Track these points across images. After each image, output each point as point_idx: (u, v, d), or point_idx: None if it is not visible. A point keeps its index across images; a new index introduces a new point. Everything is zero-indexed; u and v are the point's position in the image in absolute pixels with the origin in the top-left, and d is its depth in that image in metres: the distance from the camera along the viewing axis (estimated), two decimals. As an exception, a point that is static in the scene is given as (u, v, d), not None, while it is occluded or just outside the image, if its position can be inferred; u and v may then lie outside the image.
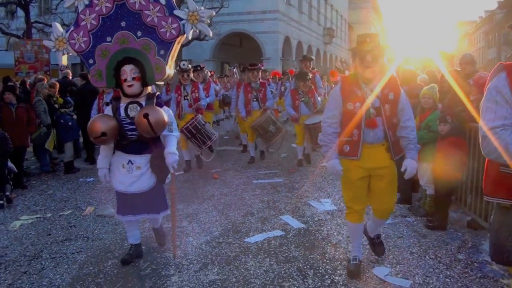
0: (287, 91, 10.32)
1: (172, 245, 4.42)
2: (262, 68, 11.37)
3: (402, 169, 3.67)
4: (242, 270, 4.07)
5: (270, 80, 15.16)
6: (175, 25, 4.07)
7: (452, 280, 3.84)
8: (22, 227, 5.53)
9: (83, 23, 4.14)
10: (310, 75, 8.77)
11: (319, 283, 3.77)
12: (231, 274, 3.98)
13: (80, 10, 4.14)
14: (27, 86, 11.36)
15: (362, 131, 3.62)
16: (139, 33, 4.11)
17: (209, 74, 11.97)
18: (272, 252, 4.45)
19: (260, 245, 4.67)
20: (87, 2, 4.14)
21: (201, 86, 8.96)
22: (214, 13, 4.50)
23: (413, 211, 5.64)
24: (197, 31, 4.18)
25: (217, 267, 4.15)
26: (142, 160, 4.08)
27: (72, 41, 4.15)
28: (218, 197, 6.55)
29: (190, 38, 4.31)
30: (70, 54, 4.22)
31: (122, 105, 4.10)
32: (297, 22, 37.94)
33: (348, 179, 3.75)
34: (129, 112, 4.04)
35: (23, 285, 3.92)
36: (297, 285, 3.75)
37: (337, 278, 3.87)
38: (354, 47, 3.68)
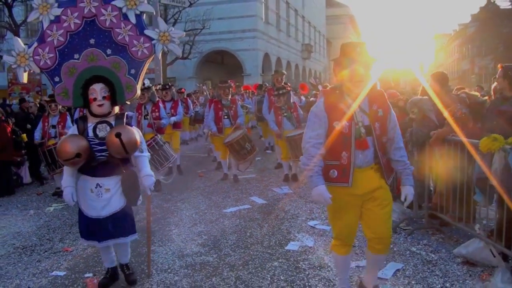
0: (264, 105, 9.98)
1: (147, 264, 4.51)
2: (233, 84, 11.38)
3: (402, 198, 3.40)
4: (221, 225, 6.01)
5: (245, 96, 15.53)
6: (147, 45, 4.02)
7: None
8: (56, 210, 7.36)
9: (49, 39, 3.99)
10: (284, 90, 8.54)
11: (271, 230, 5.72)
12: (213, 228, 5.92)
13: (45, 25, 4.02)
14: (24, 108, 12.99)
15: (352, 153, 3.23)
16: (108, 51, 4.01)
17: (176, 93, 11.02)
18: (242, 216, 6.40)
19: (233, 213, 6.61)
20: (52, 18, 4.01)
21: (168, 105, 9.33)
22: (184, 34, 4.61)
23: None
24: (167, 51, 4.16)
25: (203, 224, 6.08)
26: (110, 182, 3.93)
27: (37, 57, 3.99)
28: (203, 188, 8.47)
29: (159, 58, 4.48)
30: (32, 71, 4.08)
31: (90, 125, 3.92)
32: (275, 39, 40.07)
33: (337, 208, 3.36)
34: (98, 132, 3.89)
35: (72, 237, 5.79)
36: (256, 231, 5.71)
37: (282, 227, 5.82)
38: (341, 58, 3.28)
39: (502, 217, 4.15)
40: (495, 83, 4.80)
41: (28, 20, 4.18)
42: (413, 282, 4.07)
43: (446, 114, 4.99)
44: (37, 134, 8.75)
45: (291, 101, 8.71)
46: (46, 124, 8.65)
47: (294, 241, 5.28)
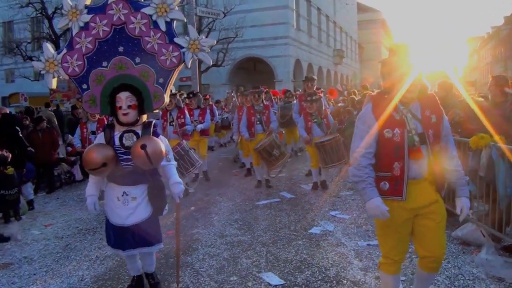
0: (295, 110, 10.12)
1: (176, 275, 4.42)
2: (265, 90, 11.19)
3: (458, 211, 3.12)
4: (254, 214, 6.98)
5: (274, 101, 14.79)
6: (176, 53, 3.94)
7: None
8: (110, 203, 8.45)
9: (77, 46, 3.97)
10: (316, 96, 8.33)
11: (297, 218, 6.66)
12: (247, 216, 6.91)
13: (74, 32, 3.99)
14: (75, 114, 14.13)
15: (405, 163, 3.00)
16: (137, 60, 3.95)
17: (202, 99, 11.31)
18: (272, 208, 7.35)
19: (265, 205, 7.57)
20: (82, 24, 3.97)
21: (195, 112, 9.61)
22: (215, 42, 4.36)
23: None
24: (197, 59, 4.07)
25: (239, 213, 7.08)
26: (137, 191, 3.90)
27: (65, 64, 3.98)
28: (238, 184, 9.48)
29: (189, 66, 4.29)
30: (61, 77, 4.06)
31: (117, 134, 3.89)
32: (307, 45, 40.91)
33: (387, 223, 3.09)
34: (124, 142, 3.85)
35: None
36: (284, 219, 6.66)
37: (307, 216, 6.74)
38: (391, 59, 3.10)
39: (489, 204, 4.97)
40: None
41: (58, 27, 4.28)
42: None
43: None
44: (77, 141, 9.10)
45: (323, 107, 8.50)
46: (85, 130, 8.84)
47: (317, 226, 6.19)
